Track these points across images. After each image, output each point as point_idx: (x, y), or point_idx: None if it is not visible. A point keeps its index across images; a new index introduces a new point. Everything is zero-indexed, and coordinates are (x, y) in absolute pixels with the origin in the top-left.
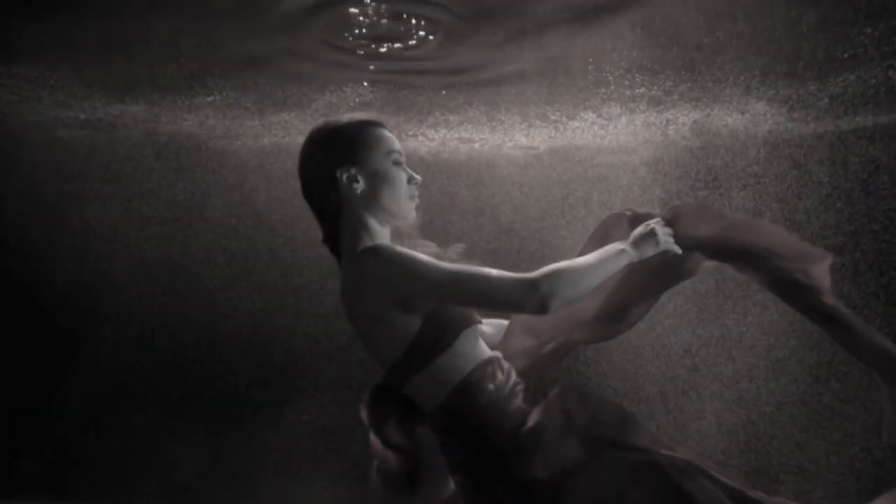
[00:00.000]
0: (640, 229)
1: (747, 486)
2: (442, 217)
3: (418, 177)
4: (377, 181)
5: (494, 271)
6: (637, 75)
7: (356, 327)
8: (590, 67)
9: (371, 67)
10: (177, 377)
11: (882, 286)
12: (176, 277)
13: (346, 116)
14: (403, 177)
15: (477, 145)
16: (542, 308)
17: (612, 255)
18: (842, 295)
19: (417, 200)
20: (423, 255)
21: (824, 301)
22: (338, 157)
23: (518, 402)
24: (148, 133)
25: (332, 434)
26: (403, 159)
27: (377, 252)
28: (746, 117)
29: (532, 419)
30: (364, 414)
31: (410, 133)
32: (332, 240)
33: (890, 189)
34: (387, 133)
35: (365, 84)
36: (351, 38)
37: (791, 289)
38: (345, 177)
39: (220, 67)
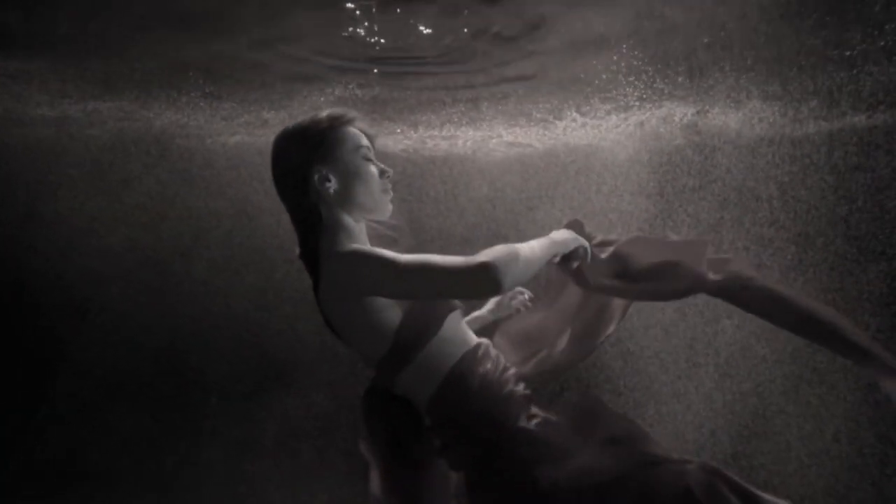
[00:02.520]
0: (571, 236)
1: (765, 491)
2: (418, 208)
3: (390, 170)
4: (349, 178)
5: (449, 258)
6: (629, 74)
7: (337, 329)
8: (580, 65)
9: (352, 65)
10: (162, 373)
11: (876, 284)
12: (158, 272)
13: (311, 116)
14: (375, 171)
15: (460, 142)
16: (496, 287)
17: (547, 244)
18: (838, 292)
19: (391, 193)
20: (390, 253)
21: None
22: (307, 159)
23: (511, 386)
24: (126, 129)
25: (324, 429)
26: (373, 154)
27: (349, 254)
28: (740, 116)
29: (535, 421)
30: (366, 450)
31: (388, 131)
32: (309, 248)
33: (885, 187)
34: (352, 129)
35: (348, 84)
36: (334, 35)
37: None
38: (316, 177)
39: (203, 64)
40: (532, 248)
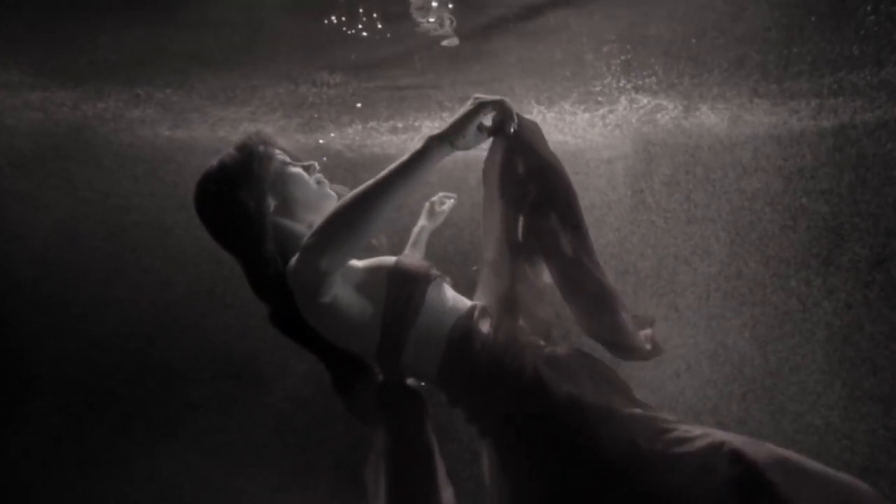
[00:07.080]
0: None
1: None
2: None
3: (312, 162)
4: (281, 188)
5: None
6: (618, 70)
7: (329, 338)
8: (561, 60)
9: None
10: (123, 372)
11: (871, 281)
12: (113, 267)
13: (218, 158)
14: (300, 171)
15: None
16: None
17: (414, 157)
18: (831, 289)
19: (327, 183)
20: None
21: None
22: (234, 193)
23: (518, 337)
24: (61, 119)
25: (308, 432)
26: (288, 157)
27: (289, 271)
28: (733, 114)
29: (550, 364)
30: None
31: (356, 126)
32: (275, 285)
33: (878, 186)
34: (260, 147)
35: (314, 80)
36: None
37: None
38: (251, 204)
39: (150, 56)
40: (386, 174)
